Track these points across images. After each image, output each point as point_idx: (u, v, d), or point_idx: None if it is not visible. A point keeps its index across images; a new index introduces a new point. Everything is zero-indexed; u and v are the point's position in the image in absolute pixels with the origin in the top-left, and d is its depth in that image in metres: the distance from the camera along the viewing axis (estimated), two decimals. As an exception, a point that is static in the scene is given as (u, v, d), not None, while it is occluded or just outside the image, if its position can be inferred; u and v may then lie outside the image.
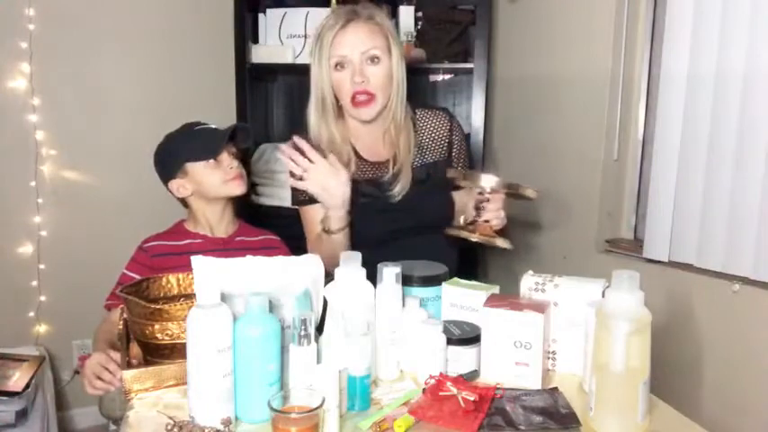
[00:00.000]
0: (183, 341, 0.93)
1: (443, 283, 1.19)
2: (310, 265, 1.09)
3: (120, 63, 2.40)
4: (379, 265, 1.09)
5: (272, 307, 0.95)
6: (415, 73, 2.21)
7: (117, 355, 1.20)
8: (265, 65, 2.28)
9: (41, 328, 2.39)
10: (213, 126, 1.58)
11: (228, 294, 0.95)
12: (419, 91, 2.53)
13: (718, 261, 1.38)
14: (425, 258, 1.28)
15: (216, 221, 1.59)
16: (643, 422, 0.92)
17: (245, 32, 2.22)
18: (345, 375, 0.95)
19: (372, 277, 1.07)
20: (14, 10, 2.22)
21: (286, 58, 2.23)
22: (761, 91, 1.29)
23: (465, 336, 1.08)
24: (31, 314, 2.37)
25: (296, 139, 1.36)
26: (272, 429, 0.83)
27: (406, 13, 2.22)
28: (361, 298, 1.04)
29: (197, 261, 0.99)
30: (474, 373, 1.08)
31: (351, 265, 1.04)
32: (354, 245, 1.37)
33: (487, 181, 1.26)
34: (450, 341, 1.07)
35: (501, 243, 1.28)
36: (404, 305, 1.11)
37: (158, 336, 1.04)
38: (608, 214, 1.83)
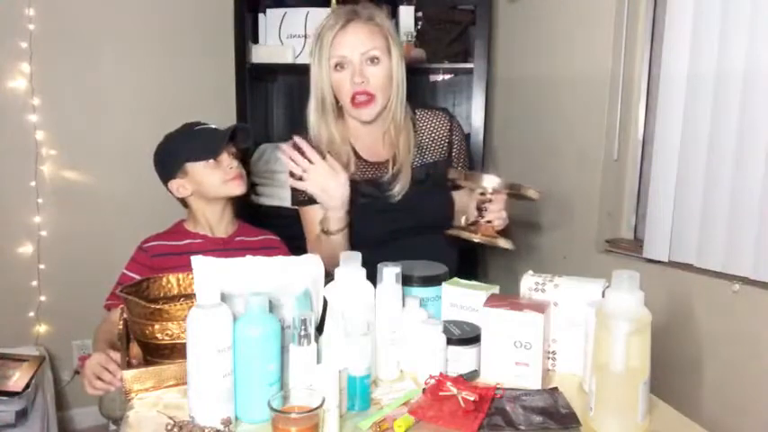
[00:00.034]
0: (183, 341, 0.93)
1: (443, 283, 1.19)
2: (310, 265, 1.09)
3: (120, 63, 2.40)
4: (379, 265, 1.09)
5: (272, 307, 0.95)
6: (415, 73, 2.21)
7: (117, 356, 1.20)
8: (265, 65, 2.28)
9: (41, 328, 2.39)
10: (213, 126, 1.58)
11: (228, 294, 0.95)
12: (419, 91, 2.53)
13: (718, 261, 1.38)
14: (425, 258, 1.28)
15: (216, 221, 1.59)
16: (643, 422, 0.92)
17: (245, 32, 2.22)
18: (345, 375, 0.95)
19: (372, 277, 1.07)
20: (14, 10, 2.22)
21: (286, 58, 2.23)
22: (761, 91, 1.29)
23: (465, 336, 1.08)
24: (31, 314, 2.37)
25: (297, 138, 1.36)
26: (272, 429, 0.83)
27: (406, 13, 2.22)
28: (361, 298, 1.04)
29: (197, 261, 0.99)
30: (474, 373, 1.08)
31: (351, 265, 1.04)
32: (354, 245, 1.37)
33: (489, 181, 1.26)
34: (450, 341, 1.07)
35: (503, 244, 1.28)
36: (404, 305, 1.11)
37: (158, 336, 1.04)
38: (608, 214, 1.83)
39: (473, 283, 1.20)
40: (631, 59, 1.76)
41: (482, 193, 1.29)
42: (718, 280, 1.40)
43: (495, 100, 2.36)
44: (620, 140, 1.79)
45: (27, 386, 1.92)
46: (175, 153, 1.54)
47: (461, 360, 1.08)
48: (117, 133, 2.42)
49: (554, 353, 1.13)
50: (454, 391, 0.95)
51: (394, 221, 1.43)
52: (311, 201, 1.41)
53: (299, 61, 2.22)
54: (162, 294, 1.19)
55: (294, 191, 1.46)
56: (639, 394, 0.90)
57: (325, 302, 1.05)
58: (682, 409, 0.99)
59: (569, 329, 1.10)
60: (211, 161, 1.52)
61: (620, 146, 1.79)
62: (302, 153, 1.33)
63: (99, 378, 1.20)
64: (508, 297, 1.12)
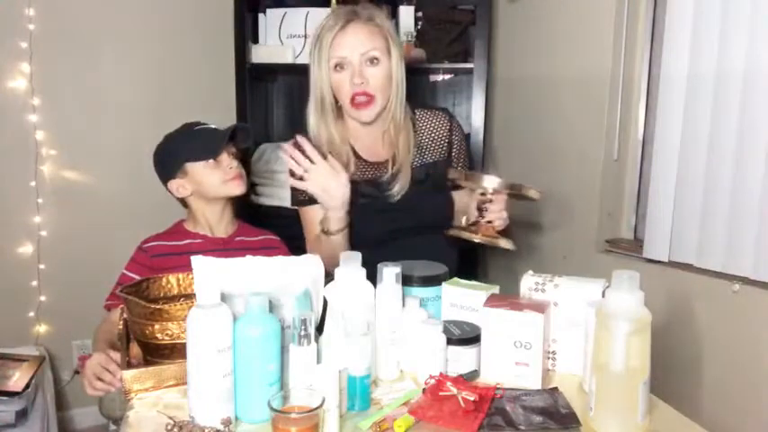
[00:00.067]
0: (183, 341, 0.93)
1: (443, 283, 1.19)
2: (310, 265, 1.09)
3: (120, 63, 2.40)
4: (379, 265, 1.09)
5: (272, 307, 0.95)
6: (415, 73, 2.21)
7: (117, 356, 1.20)
8: (265, 65, 2.28)
9: (41, 328, 2.39)
10: (213, 126, 1.58)
11: (228, 294, 0.95)
12: (419, 91, 2.53)
13: (718, 261, 1.38)
14: (425, 258, 1.28)
15: (215, 221, 1.59)
16: (643, 422, 0.92)
17: (245, 32, 2.22)
18: (345, 375, 0.95)
19: (372, 277, 1.07)
20: (14, 10, 2.22)
21: (286, 58, 2.23)
22: (761, 91, 1.29)
23: (465, 336, 1.08)
24: (31, 314, 2.37)
25: (299, 138, 1.36)
26: (272, 429, 0.83)
27: (406, 13, 2.22)
28: (361, 298, 1.04)
29: (197, 261, 0.99)
30: (474, 373, 1.08)
31: (351, 265, 1.04)
32: (354, 245, 1.37)
33: (490, 182, 1.26)
34: (450, 341, 1.07)
35: (504, 244, 1.28)
36: (404, 305, 1.11)
37: (158, 336, 1.04)
38: (608, 214, 1.83)
39: (473, 283, 1.20)
40: (631, 59, 1.76)
41: (482, 194, 1.29)
42: (718, 280, 1.40)
43: (495, 100, 2.36)
44: (620, 140, 1.79)
45: (27, 386, 1.92)
46: (175, 153, 1.54)
47: (461, 360, 1.08)
48: (117, 133, 2.42)
49: (554, 353, 1.13)
50: (454, 391, 0.95)
51: (394, 221, 1.43)
52: (311, 201, 1.41)
53: (299, 61, 2.22)
54: (162, 294, 1.19)
55: (294, 190, 1.46)
56: (639, 394, 0.90)
57: (325, 302, 1.05)
58: (682, 409, 0.99)
59: (569, 329, 1.10)
60: (211, 161, 1.52)
61: (620, 146, 1.79)
62: (304, 152, 1.33)
63: (99, 378, 1.20)
64: (508, 297, 1.12)
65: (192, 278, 1.07)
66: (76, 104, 2.36)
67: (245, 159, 1.84)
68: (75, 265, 2.38)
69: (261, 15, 2.26)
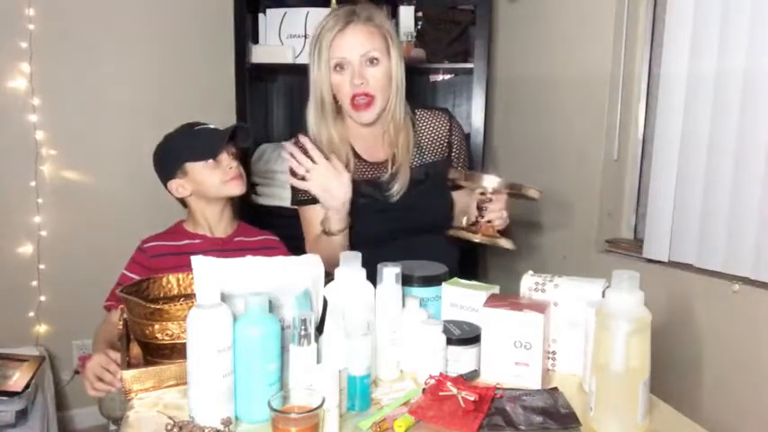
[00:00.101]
0: (183, 341, 0.93)
1: (443, 283, 1.19)
2: (310, 265, 1.09)
3: (120, 63, 2.40)
4: (379, 266, 1.09)
5: (272, 307, 0.95)
6: (415, 73, 2.21)
7: (117, 356, 1.20)
8: (265, 65, 2.28)
9: (41, 328, 2.39)
10: (213, 126, 1.57)
11: (228, 294, 0.95)
12: (419, 91, 2.53)
13: (718, 261, 1.39)
14: (425, 258, 1.28)
15: (215, 222, 1.59)
16: (643, 422, 0.92)
17: (245, 32, 2.22)
18: (345, 375, 0.95)
19: (372, 277, 1.07)
20: (14, 10, 2.22)
21: (286, 58, 2.23)
22: (761, 91, 1.29)
23: (465, 336, 1.08)
24: (31, 314, 2.37)
25: (301, 137, 1.36)
26: (272, 429, 0.83)
27: (406, 13, 2.22)
28: (361, 298, 1.04)
29: (197, 261, 0.99)
30: (474, 373, 1.08)
31: (351, 265, 1.04)
32: (354, 245, 1.37)
33: (490, 181, 1.26)
34: (450, 341, 1.07)
35: (504, 243, 1.28)
36: (404, 305, 1.11)
37: (158, 336, 1.04)
38: (608, 214, 1.83)
39: (473, 283, 1.20)
40: (631, 59, 1.76)
41: (482, 193, 1.29)
42: (718, 280, 1.40)
43: (495, 100, 2.36)
44: (619, 140, 1.79)
45: (27, 386, 1.92)
46: (175, 153, 1.54)
47: (461, 360, 1.08)
48: (117, 133, 2.42)
49: (554, 353, 1.13)
50: (454, 391, 0.95)
51: (393, 221, 1.43)
52: (312, 200, 1.41)
53: (299, 61, 2.22)
54: (162, 294, 1.19)
55: (294, 190, 1.46)
56: (639, 394, 0.90)
57: (325, 302, 1.05)
58: (682, 409, 0.99)
59: (569, 329, 1.10)
60: (211, 161, 1.52)
61: (619, 145, 1.79)
62: (306, 152, 1.33)
63: (100, 379, 1.20)
64: (508, 297, 1.12)
65: (192, 278, 1.07)
66: (76, 104, 2.35)
67: (245, 159, 1.84)
68: (75, 265, 2.38)
69: (261, 15, 2.26)
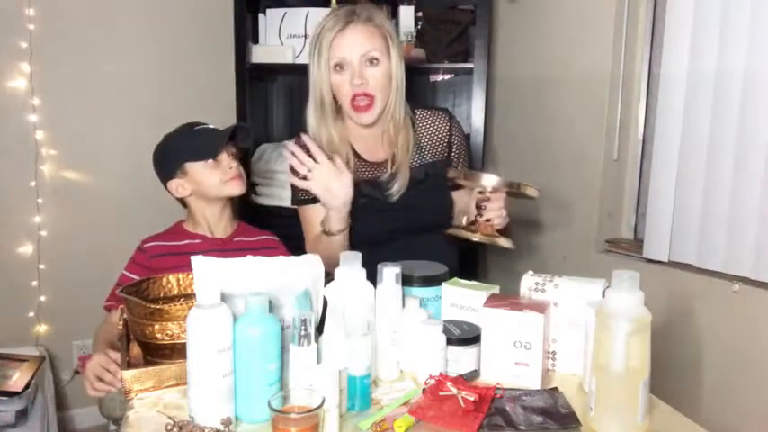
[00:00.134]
0: (183, 341, 0.93)
1: (443, 283, 1.19)
2: (310, 265, 1.09)
3: (120, 63, 2.40)
4: (379, 266, 1.09)
5: (272, 307, 0.95)
6: (415, 73, 2.21)
7: (117, 356, 1.20)
8: (265, 65, 2.28)
9: (41, 328, 2.39)
10: (213, 126, 1.57)
11: (228, 294, 0.95)
12: (419, 91, 2.53)
13: (719, 261, 1.39)
14: (425, 258, 1.28)
15: (215, 222, 1.59)
16: (643, 422, 0.92)
17: (245, 32, 2.22)
18: (345, 375, 0.95)
19: (372, 277, 1.07)
20: (14, 10, 2.22)
21: (286, 58, 2.23)
22: (761, 91, 1.29)
23: (465, 336, 1.08)
24: (31, 314, 2.37)
25: (303, 137, 1.36)
26: (272, 429, 0.83)
27: (406, 13, 2.22)
28: (361, 298, 1.04)
29: (197, 261, 0.99)
30: (474, 373, 1.08)
31: (351, 265, 1.04)
32: (354, 245, 1.37)
33: (488, 180, 1.26)
34: (450, 341, 1.07)
35: (503, 242, 1.28)
36: (404, 305, 1.11)
37: (158, 336, 1.04)
38: (608, 214, 1.83)
39: (473, 283, 1.20)
40: (631, 59, 1.76)
41: (481, 192, 1.29)
42: (718, 280, 1.40)
43: (495, 100, 2.37)
44: (619, 140, 1.79)
45: (27, 386, 1.92)
46: (175, 153, 1.54)
47: (461, 360, 1.08)
48: (117, 133, 2.42)
49: (554, 353, 1.13)
50: (454, 391, 0.95)
51: (393, 221, 1.43)
52: (312, 200, 1.41)
53: (299, 61, 2.22)
54: (162, 294, 1.19)
55: (295, 189, 1.46)
56: (639, 394, 0.90)
57: (325, 302, 1.05)
58: (682, 409, 0.99)
59: (569, 329, 1.10)
60: (210, 161, 1.52)
61: (619, 145, 1.79)
62: (308, 151, 1.33)
63: (100, 379, 1.20)
64: (508, 297, 1.12)
65: (192, 278, 1.07)
66: (76, 104, 2.35)
67: (245, 159, 1.84)
68: (75, 265, 2.37)
69: (261, 15, 2.26)
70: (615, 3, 1.74)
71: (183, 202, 1.59)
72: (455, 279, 1.22)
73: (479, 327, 1.09)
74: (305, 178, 1.33)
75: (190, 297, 1.17)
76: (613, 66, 1.76)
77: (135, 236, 1.58)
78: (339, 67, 1.37)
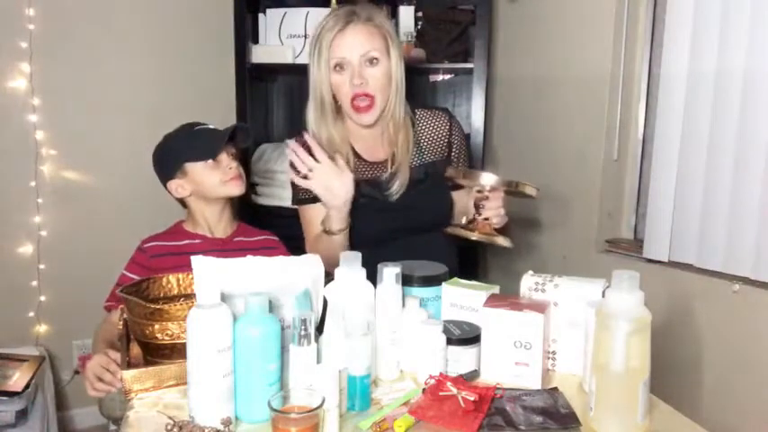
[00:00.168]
0: (183, 341, 0.93)
1: (443, 283, 1.19)
2: (310, 265, 1.09)
3: (120, 63, 2.40)
4: (379, 266, 1.09)
5: (272, 307, 0.95)
6: (415, 73, 2.21)
7: (117, 356, 1.20)
8: (265, 65, 2.28)
9: (41, 328, 2.39)
10: (212, 126, 1.57)
11: (228, 294, 0.95)
12: (419, 91, 2.53)
13: (719, 261, 1.39)
14: (425, 258, 1.28)
15: (215, 222, 1.59)
16: (643, 422, 0.92)
17: (245, 32, 2.22)
18: (345, 375, 0.95)
19: (372, 277, 1.07)
20: (14, 10, 2.22)
21: (286, 58, 2.23)
22: (761, 91, 1.29)
23: (465, 336, 1.08)
24: (31, 314, 2.37)
25: (306, 136, 1.36)
26: (272, 429, 0.83)
27: (406, 13, 2.22)
28: (361, 298, 1.04)
29: (197, 261, 0.99)
30: (474, 373, 1.08)
31: (351, 265, 1.04)
32: (354, 245, 1.37)
33: (487, 179, 1.26)
34: (450, 341, 1.07)
35: (501, 241, 1.28)
36: (404, 305, 1.11)
37: (158, 336, 1.04)
38: (608, 214, 1.83)
39: (473, 283, 1.20)
40: (631, 59, 1.76)
41: (480, 191, 1.29)
42: (718, 280, 1.40)
43: (495, 100, 2.37)
44: (619, 140, 1.79)
45: (27, 386, 1.92)
46: (175, 153, 1.54)
47: (461, 360, 1.08)
48: (117, 133, 2.42)
49: (554, 353, 1.13)
50: (454, 391, 0.95)
51: (393, 221, 1.43)
52: (312, 199, 1.41)
53: (299, 61, 2.22)
54: (162, 294, 1.19)
55: (295, 189, 1.46)
56: (639, 394, 0.90)
57: (325, 302, 1.05)
58: (682, 409, 0.99)
59: (569, 329, 1.10)
60: (210, 161, 1.52)
61: (619, 145, 1.79)
62: (309, 150, 1.33)
63: (100, 379, 1.20)
64: (508, 297, 1.12)
65: (192, 278, 1.07)
66: (76, 104, 2.36)
67: (244, 159, 1.84)
68: (75, 265, 2.38)
69: (261, 15, 2.26)
70: (615, 3, 1.74)
71: (182, 202, 1.59)
72: (455, 279, 1.22)
73: (479, 327, 1.09)
74: (306, 177, 1.33)
75: (190, 297, 1.17)
76: (613, 66, 1.76)
77: (135, 236, 1.58)
78: (339, 67, 1.37)
